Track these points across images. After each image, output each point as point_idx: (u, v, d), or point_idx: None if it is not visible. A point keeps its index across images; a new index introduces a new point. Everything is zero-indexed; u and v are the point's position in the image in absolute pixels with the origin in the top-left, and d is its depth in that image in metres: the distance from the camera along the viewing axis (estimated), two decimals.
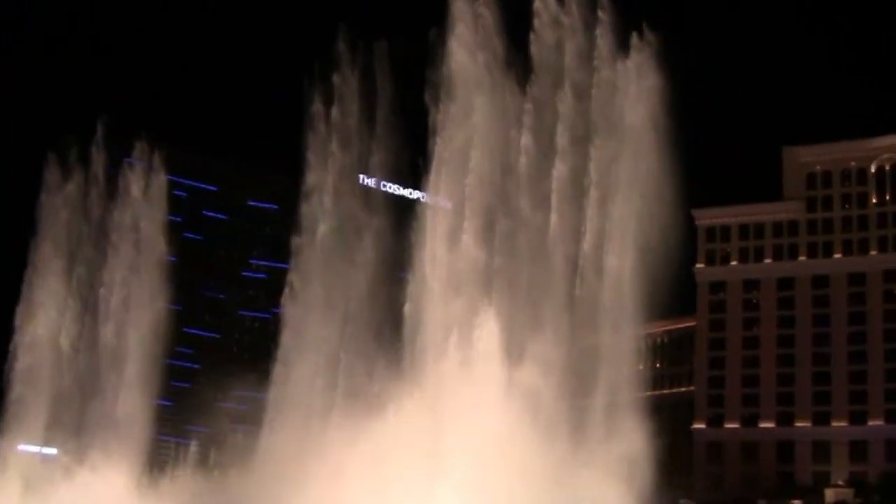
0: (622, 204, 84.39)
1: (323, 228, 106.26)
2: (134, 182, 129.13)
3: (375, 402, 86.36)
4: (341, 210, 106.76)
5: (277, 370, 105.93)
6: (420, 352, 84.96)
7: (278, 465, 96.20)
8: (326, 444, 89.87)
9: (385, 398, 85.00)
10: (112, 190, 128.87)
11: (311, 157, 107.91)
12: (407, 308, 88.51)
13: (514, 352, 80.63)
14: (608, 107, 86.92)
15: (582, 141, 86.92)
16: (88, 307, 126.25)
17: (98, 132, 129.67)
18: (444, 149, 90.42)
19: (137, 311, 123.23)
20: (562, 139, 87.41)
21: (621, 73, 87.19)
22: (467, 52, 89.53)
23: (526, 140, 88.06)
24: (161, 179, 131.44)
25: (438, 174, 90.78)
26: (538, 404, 76.99)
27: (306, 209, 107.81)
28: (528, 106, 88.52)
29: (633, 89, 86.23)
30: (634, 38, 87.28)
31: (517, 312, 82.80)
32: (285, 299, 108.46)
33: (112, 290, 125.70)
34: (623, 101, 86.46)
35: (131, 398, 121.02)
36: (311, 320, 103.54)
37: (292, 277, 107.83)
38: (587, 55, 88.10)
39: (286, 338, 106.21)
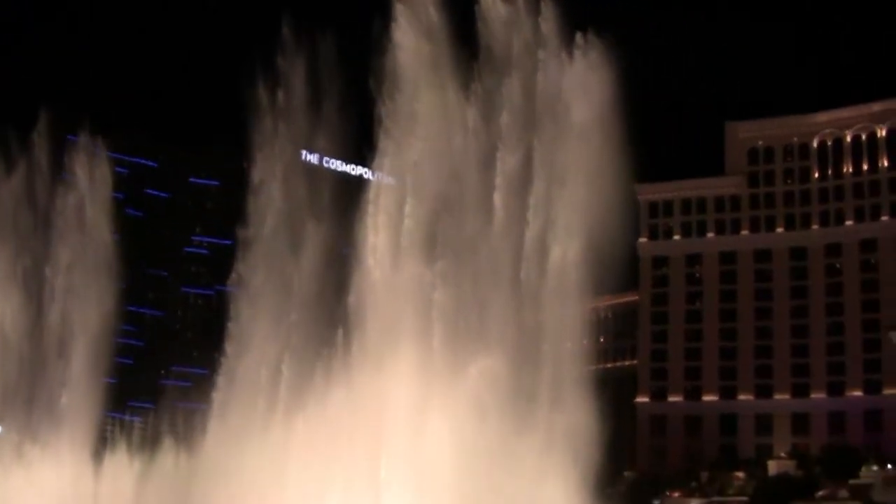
0: (567, 185, 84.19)
1: (269, 215, 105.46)
2: (78, 165, 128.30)
3: (321, 389, 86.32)
4: (287, 191, 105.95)
5: (226, 353, 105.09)
6: (364, 341, 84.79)
7: (224, 446, 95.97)
8: (271, 429, 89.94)
9: (332, 383, 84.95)
10: (55, 173, 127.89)
11: (255, 135, 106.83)
12: (351, 300, 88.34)
13: (460, 339, 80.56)
14: (553, 92, 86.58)
15: (527, 125, 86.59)
16: (34, 289, 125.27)
17: (40, 119, 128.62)
18: (387, 143, 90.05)
19: (83, 293, 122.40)
20: (507, 123, 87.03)
21: (566, 57, 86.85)
22: (412, 37, 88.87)
23: (472, 125, 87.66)
24: (104, 163, 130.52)
25: (382, 166, 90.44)
26: (484, 388, 76.85)
27: (251, 196, 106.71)
28: (474, 89, 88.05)
29: (579, 74, 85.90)
30: (578, 37, 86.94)
31: (463, 300, 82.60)
32: (231, 284, 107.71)
33: (58, 271, 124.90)
34: (568, 86, 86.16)
35: (79, 379, 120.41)
36: (258, 307, 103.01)
37: (239, 267, 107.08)
38: (533, 40, 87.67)
39: (234, 321, 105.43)
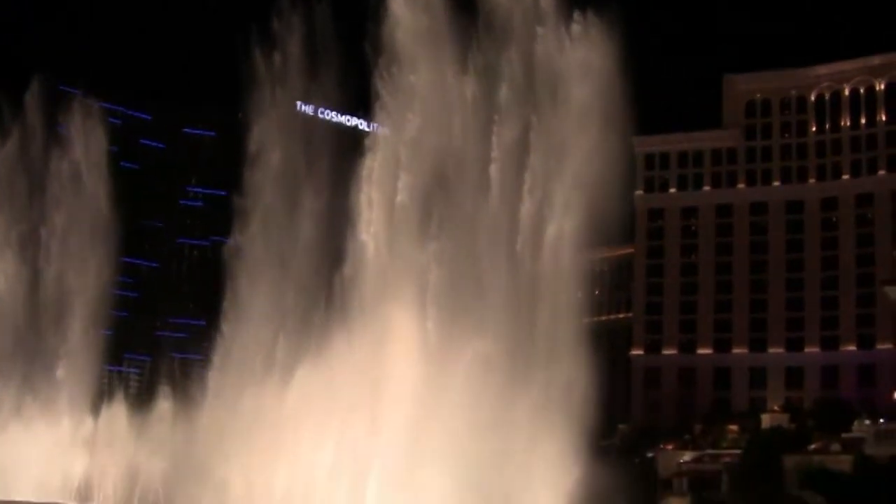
0: (565, 160, 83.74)
1: (266, 166, 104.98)
2: (72, 123, 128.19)
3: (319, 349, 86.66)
4: (282, 142, 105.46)
5: (224, 313, 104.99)
6: (359, 314, 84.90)
7: (222, 405, 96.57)
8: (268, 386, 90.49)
9: (330, 344, 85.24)
10: (50, 132, 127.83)
11: (250, 86, 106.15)
12: (347, 270, 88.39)
13: (456, 301, 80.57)
14: (553, 60, 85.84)
15: (526, 99, 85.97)
16: (30, 249, 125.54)
17: (34, 80, 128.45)
18: (383, 116, 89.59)
19: (80, 251, 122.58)
20: (505, 97, 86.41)
21: (565, 32, 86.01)
22: (408, 9, 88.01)
23: (471, 95, 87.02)
24: (99, 121, 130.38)
25: (376, 140, 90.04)
26: (480, 370, 76.87)
27: (247, 148, 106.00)
28: (472, 60, 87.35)
29: (578, 48, 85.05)
30: (577, 15, 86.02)
31: (458, 274, 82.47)
32: (230, 238, 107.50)
33: (54, 231, 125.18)
34: (567, 61, 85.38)
35: (77, 334, 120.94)
36: (255, 262, 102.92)
37: (236, 219, 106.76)
38: (532, 13, 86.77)
39: (231, 278, 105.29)
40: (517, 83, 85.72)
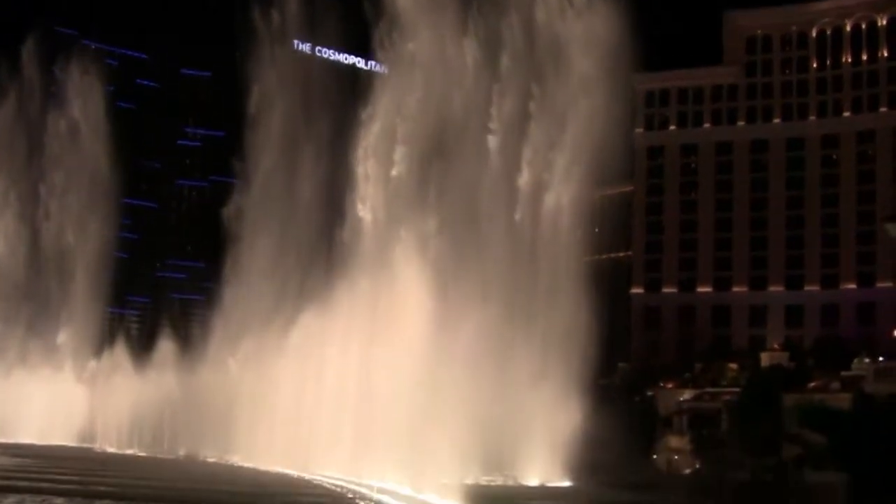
0: (567, 109, 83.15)
1: (264, 106, 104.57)
2: (70, 82, 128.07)
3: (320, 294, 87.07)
4: (279, 81, 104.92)
5: (228, 256, 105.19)
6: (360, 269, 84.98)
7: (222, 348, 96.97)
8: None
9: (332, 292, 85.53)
10: (50, 79, 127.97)
11: (247, 25, 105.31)
12: (346, 236, 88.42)
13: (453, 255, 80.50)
14: (554, 27, 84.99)
15: (527, 61, 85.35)
16: (29, 210, 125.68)
17: (29, 38, 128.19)
18: (383, 84, 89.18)
19: (81, 204, 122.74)
20: (505, 61, 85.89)
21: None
22: None
23: (472, 63, 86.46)
24: (96, 78, 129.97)
25: (377, 106, 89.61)
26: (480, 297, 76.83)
27: (244, 87, 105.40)
28: (473, 27, 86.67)
29: (580, 17, 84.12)
30: None
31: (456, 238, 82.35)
32: (230, 215, 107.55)
33: (53, 189, 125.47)
34: (569, 20, 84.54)
35: (80, 281, 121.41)
36: (258, 207, 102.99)
37: (238, 199, 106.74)
38: None
39: (231, 218, 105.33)
40: (518, 51, 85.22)
